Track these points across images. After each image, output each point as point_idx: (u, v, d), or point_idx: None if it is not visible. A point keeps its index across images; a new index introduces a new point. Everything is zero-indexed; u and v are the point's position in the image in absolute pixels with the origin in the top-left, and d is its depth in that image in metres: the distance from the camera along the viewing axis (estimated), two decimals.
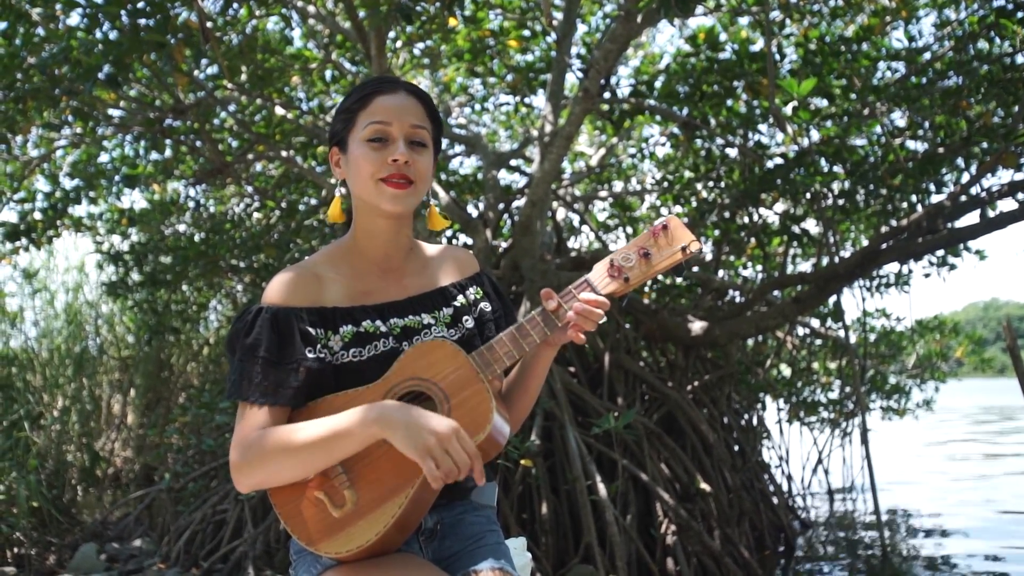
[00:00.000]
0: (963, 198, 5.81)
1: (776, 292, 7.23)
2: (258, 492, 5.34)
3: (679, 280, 7.17)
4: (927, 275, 7.17)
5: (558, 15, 5.97)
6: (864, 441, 6.32)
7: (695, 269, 6.97)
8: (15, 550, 5.95)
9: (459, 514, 1.68)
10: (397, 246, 1.72)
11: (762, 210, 6.82)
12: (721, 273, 7.59)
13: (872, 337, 8.71)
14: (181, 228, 7.66)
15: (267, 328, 1.57)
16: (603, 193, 8.19)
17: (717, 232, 6.92)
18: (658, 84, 6.27)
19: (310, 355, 1.57)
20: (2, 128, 5.30)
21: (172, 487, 6.25)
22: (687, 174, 7.04)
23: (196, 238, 7.16)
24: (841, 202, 6.17)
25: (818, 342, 8.60)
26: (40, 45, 4.73)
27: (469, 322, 1.71)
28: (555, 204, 6.94)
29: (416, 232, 1.78)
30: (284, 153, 6.06)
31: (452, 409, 1.53)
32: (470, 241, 6.27)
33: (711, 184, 6.75)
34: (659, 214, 8.10)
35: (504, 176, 7.61)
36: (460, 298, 1.74)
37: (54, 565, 5.92)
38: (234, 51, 5.49)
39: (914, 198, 6.14)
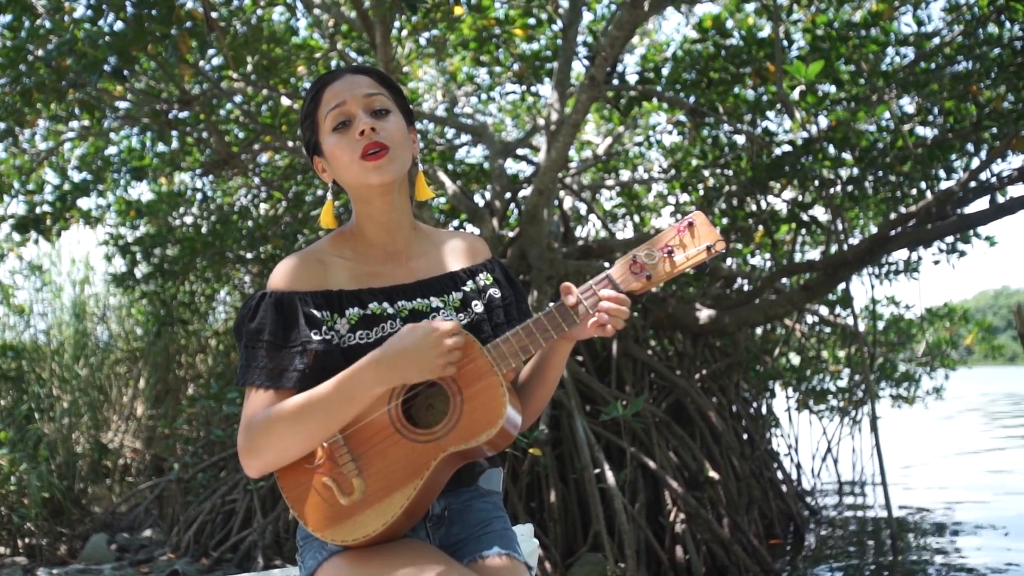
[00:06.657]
0: (973, 184, 5.78)
1: (784, 280, 7.20)
2: (267, 481, 5.37)
3: None
4: (937, 262, 7.11)
5: (564, 3, 5.94)
6: (874, 429, 6.31)
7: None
8: (26, 540, 6.00)
9: (466, 500, 1.67)
10: (398, 224, 1.70)
11: (770, 197, 6.78)
12: (729, 261, 7.56)
13: (881, 325, 8.67)
14: (188, 219, 7.67)
15: (271, 312, 1.57)
16: (610, 181, 8.17)
17: (725, 220, 6.88)
18: (665, 71, 6.23)
19: (315, 337, 1.56)
20: (9, 121, 5.31)
21: (181, 478, 6.28)
22: (694, 161, 7.00)
23: (203, 229, 7.17)
24: (850, 189, 6.14)
25: (827, 330, 8.57)
26: (46, 37, 4.72)
27: (478, 307, 1.69)
28: (562, 193, 6.91)
29: (423, 220, 1.77)
30: (290, 143, 6.06)
31: (465, 401, 1.52)
32: (477, 231, 6.26)
33: (719, 171, 6.71)
34: (666, 202, 8.07)
35: (511, 165, 7.60)
36: (469, 283, 1.72)
37: (65, 555, 5.96)
38: (239, 41, 5.47)
39: (923, 184, 6.10)
